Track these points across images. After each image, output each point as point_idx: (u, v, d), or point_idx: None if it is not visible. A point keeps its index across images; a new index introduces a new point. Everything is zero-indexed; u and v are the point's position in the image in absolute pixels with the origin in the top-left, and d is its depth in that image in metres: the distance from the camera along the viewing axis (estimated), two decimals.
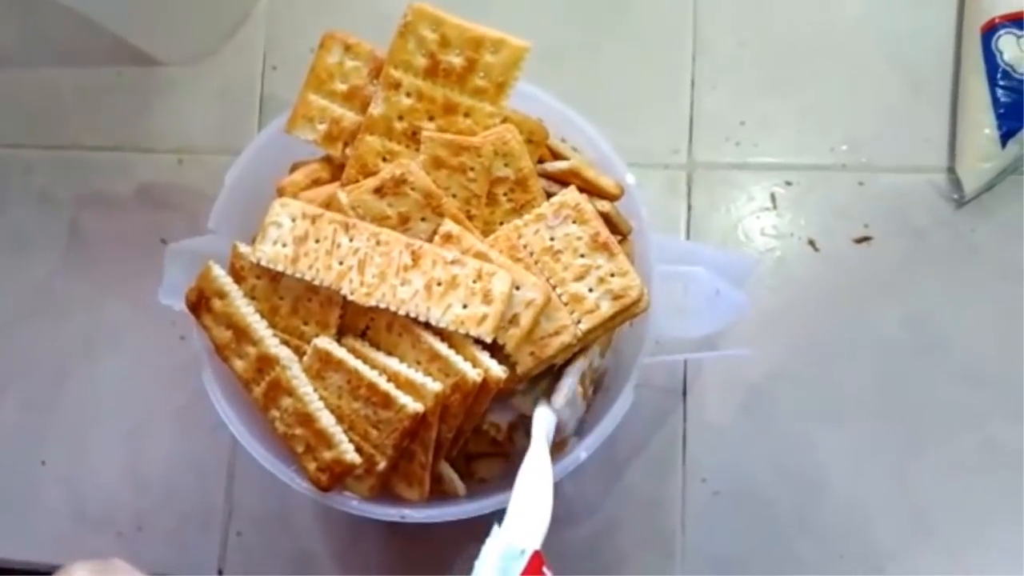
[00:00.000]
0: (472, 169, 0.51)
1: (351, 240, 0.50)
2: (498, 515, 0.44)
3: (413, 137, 0.52)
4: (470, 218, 0.52)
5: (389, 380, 0.49)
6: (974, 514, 0.61)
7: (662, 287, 0.52)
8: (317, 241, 0.50)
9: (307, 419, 0.50)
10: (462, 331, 0.48)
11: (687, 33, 0.69)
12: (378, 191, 0.51)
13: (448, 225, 0.50)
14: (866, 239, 0.65)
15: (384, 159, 0.52)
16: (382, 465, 0.50)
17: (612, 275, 0.50)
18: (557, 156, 0.54)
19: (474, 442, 0.55)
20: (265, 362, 0.51)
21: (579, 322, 0.50)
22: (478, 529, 0.43)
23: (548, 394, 0.52)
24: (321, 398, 0.50)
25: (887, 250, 0.65)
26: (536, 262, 0.51)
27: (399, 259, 0.49)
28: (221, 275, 0.52)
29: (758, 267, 0.65)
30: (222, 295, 0.52)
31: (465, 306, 0.48)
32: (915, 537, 0.61)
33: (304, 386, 0.50)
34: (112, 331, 0.71)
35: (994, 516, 0.61)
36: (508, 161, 0.51)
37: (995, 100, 0.62)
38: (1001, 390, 0.62)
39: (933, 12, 0.67)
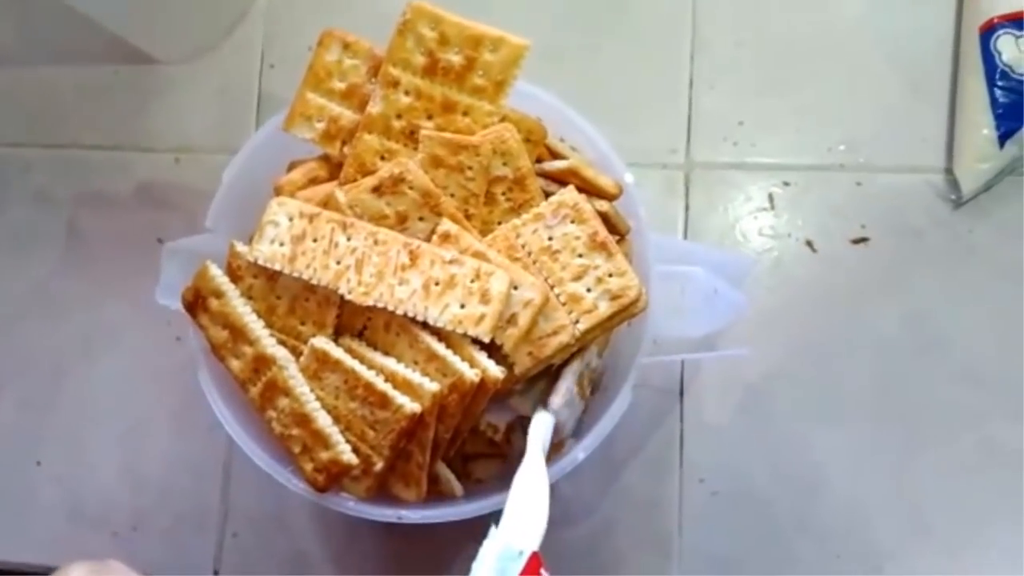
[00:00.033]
0: (470, 168, 0.51)
1: (349, 239, 0.50)
2: (495, 516, 0.44)
3: (411, 136, 0.52)
4: (468, 217, 0.52)
5: (386, 380, 0.49)
6: (973, 514, 0.61)
7: (660, 287, 0.52)
8: (315, 240, 0.50)
9: (304, 419, 0.50)
10: (460, 331, 0.48)
11: (686, 33, 0.69)
12: (376, 190, 0.51)
13: (446, 224, 0.50)
14: (864, 239, 0.65)
15: (382, 158, 0.52)
16: (379, 466, 0.50)
17: (610, 275, 0.50)
18: (556, 155, 0.54)
19: (471, 443, 0.55)
20: (262, 362, 0.51)
21: (577, 322, 0.50)
22: (475, 530, 0.43)
23: (546, 395, 0.52)
24: (318, 398, 0.50)
25: (885, 250, 0.65)
26: (534, 262, 0.50)
27: (397, 258, 0.49)
28: (218, 274, 0.52)
29: (756, 267, 0.65)
30: (219, 294, 0.52)
31: (463, 306, 0.48)
32: (914, 537, 0.61)
33: (301, 386, 0.50)
34: (110, 331, 0.71)
35: (993, 516, 0.61)
36: (506, 160, 0.51)
37: (993, 100, 0.62)
38: (1000, 390, 0.62)
39: (932, 12, 0.67)
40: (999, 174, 0.63)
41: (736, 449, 0.63)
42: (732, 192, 0.67)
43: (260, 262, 0.51)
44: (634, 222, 0.55)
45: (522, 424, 0.53)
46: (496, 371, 0.49)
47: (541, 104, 0.55)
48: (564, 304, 0.50)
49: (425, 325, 0.49)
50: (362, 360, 0.50)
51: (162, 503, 0.68)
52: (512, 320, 0.49)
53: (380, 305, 0.49)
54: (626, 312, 0.50)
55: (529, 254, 0.51)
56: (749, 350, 0.62)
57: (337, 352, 0.50)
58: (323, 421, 0.50)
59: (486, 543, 0.42)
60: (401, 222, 0.51)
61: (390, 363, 0.50)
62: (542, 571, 0.41)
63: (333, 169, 0.55)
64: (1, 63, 0.77)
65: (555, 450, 0.53)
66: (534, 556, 0.41)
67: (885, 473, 0.62)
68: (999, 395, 0.62)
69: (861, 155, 0.66)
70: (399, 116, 0.52)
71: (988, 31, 0.63)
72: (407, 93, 0.52)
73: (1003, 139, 0.62)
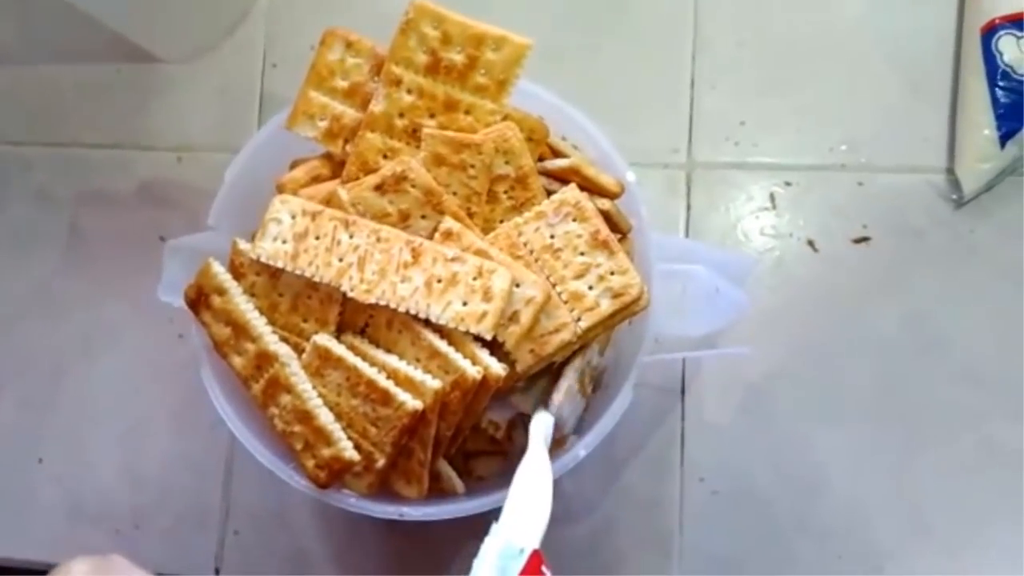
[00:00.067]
0: (473, 166, 0.51)
1: (351, 237, 0.50)
2: (496, 513, 0.44)
3: (414, 134, 0.52)
4: (470, 215, 0.52)
5: (388, 377, 0.49)
6: (973, 514, 0.61)
7: (662, 285, 0.52)
8: (317, 238, 0.50)
9: (306, 416, 0.50)
10: (462, 328, 0.48)
11: (687, 33, 0.69)
12: (379, 188, 0.51)
13: (448, 222, 0.50)
14: (865, 239, 0.65)
15: (385, 156, 0.52)
16: (381, 463, 0.50)
17: (612, 273, 0.50)
18: (557, 154, 0.54)
19: (473, 440, 0.55)
20: (264, 359, 0.51)
21: (579, 320, 0.50)
22: (477, 527, 0.43)
23: (547, 392, 0.52)
24: (320, 395, 0.50)
25: (886, 250, 0.65)
26: (536, 260, 0.51)
27: (399, 256, 0.49)
28: (220, 272, 0.52)
29: (757, 267, 0.65)
30: (221, 292, 0.52)
31: (465, 303, 0.48)
32: (914, 537, 0.61)
33: (303, 383, 0.50)
34: (111, 329, 0.71)
35: (993, 516, 0.61)
36: (509, 159, 0.51)
37: (995, 101, 0.62)
38: (1000, 390, 0.62)
39: (933, 12, 0.67)
40: (1000, 174, 0.63)
41: (737, 448, 0.63)
42: (733, 192, 0.67)
43: (263, 259, 0.51)
44: (636, 221, 0.55)
45: (523, 421, 0.53)
46: (498, 368, 0.49)
47: (543, 103, 0.55)
48: (566, 302, 0.50)
49: (427, 322, 0.49)
50: (364, 357, 0.50)
51: (163, 501, 0.68)
52: (514, 318, 0.49)
53: (382, 302, 0.49)
54: (627, 310, 0.50)
55: (531, 252, 0.51)
56: (750, 349, 0.62)
57: (339, 349, 0.50)
58: (325, 418, 0.50)
59: (487, 540, 0.42)
60: (403, 220, 0.51)
61: (392, 360, 0.50)
62: (543, 569, 0.41)
63: (335, 167, 0.55)
64: (2, 61, 0.77)
65: (557, 447, 0.53)
66: (535, 554, 0.41)
67: (885, 473, 0.62)
68: (999, 395, 0.62)
69: (862, 155, 0.66)
70: (401, 114, 0.52)
71: (989, 32, 0.63)
72: (409, 92, 0.52)
73: (1004, 139, 0.62)
